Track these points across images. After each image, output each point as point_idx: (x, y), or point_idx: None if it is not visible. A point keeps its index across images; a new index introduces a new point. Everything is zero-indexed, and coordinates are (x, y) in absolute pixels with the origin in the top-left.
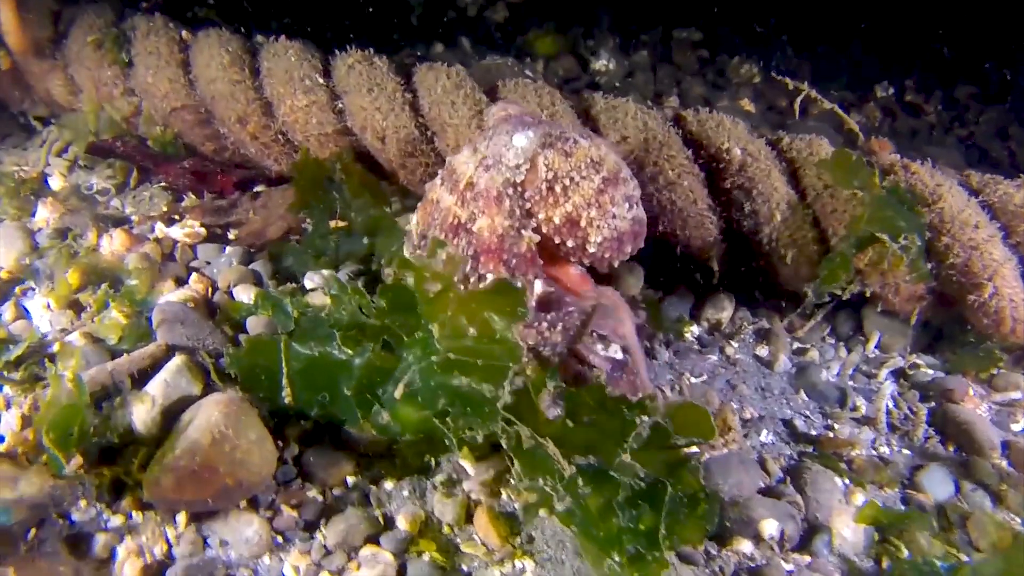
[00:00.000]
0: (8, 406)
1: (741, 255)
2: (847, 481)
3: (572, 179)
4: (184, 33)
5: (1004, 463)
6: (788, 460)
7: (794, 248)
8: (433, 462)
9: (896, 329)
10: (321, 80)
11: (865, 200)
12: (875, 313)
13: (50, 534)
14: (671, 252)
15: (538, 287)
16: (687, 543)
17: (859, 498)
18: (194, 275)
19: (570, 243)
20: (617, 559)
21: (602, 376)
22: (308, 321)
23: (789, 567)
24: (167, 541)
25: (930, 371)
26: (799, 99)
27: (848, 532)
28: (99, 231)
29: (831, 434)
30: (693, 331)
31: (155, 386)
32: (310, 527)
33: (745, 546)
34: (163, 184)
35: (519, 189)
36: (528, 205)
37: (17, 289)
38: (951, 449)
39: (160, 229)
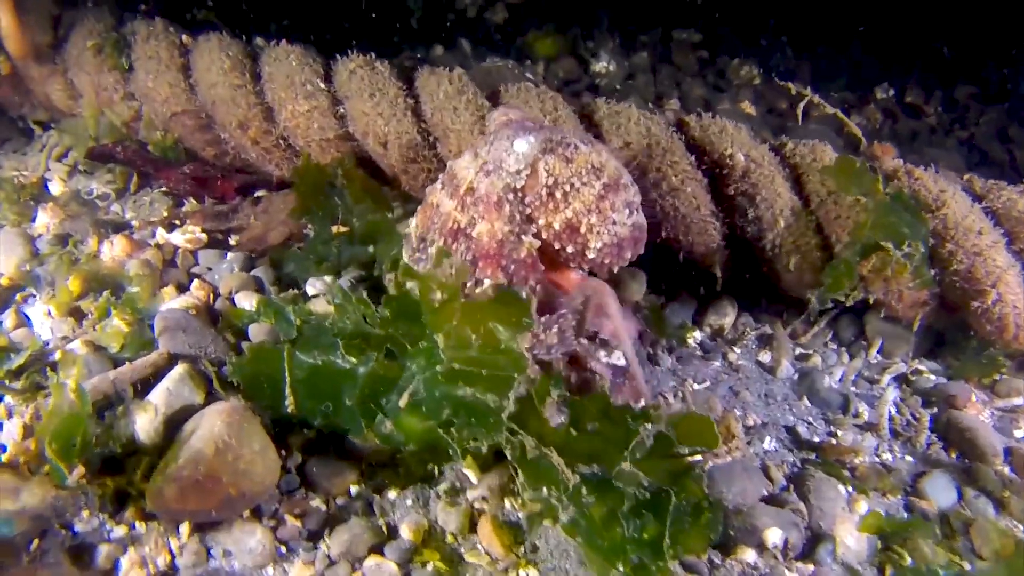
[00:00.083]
0: (10, 416)
1: (744, 261)
2: (850, 488)
3: (573, 185)
4: (184, 37)
5: (1007, 469)
6: (791, 467)
7: (797, 254)
8: (436, 471)
9: (898, 335)
10: (322, 85)
11: (869, 206)
12: (877, 318)
13: (52, 545)
14: (674, 258)
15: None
16: (691, 553)
17: (862, 506)
18: (196, 281)
19: (570, 249)
20: (621, 569)
21: (606, 384)
22: (311, 330)
23: None
24: (170, 552)
25: (933, 377)
26: (802, 104)
27: (852, 540)
28: (100, 237)
29: (834, 441)
30: (696, 337)
31: (157, 395)
32: (314, 537)
33: (749, 555)
34: (164, 189)
35: (519, 194)
36: (528, 211)
37: (18, 296)
38: (954, 455)
39: (161, 235)
